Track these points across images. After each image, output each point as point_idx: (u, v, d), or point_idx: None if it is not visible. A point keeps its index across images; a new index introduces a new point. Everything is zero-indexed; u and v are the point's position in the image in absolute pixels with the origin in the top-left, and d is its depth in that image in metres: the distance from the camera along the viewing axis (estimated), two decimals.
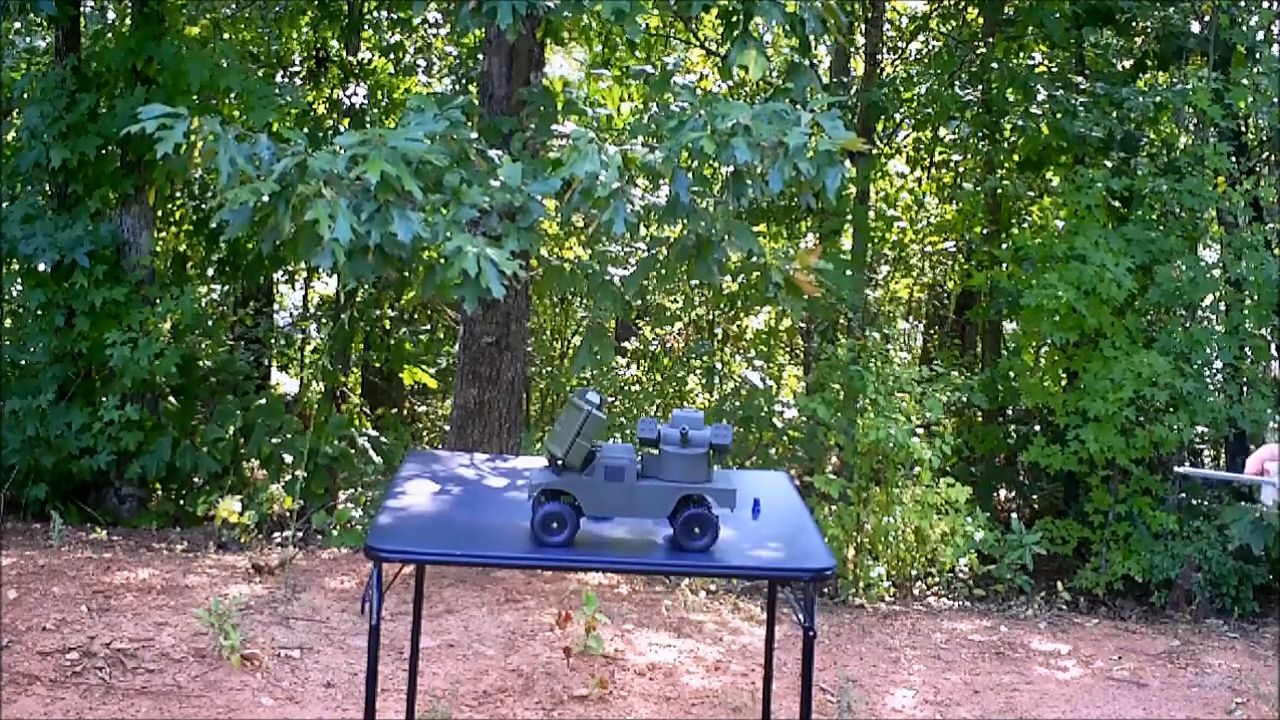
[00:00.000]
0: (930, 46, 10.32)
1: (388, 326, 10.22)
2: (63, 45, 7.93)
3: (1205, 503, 7.73)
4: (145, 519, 7.89)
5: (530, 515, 2.63)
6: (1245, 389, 7.59)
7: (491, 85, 6.44)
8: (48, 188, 8.00)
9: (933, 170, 10.86)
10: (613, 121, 8.55)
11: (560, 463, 2.61)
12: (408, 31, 9.81)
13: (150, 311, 7.67)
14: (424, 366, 10.46)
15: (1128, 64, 9.26)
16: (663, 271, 5.72)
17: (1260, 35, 7.86)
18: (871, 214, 9.68)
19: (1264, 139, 8.55)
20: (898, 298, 11.88)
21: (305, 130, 7.94)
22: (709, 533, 2.63)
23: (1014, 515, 7.82)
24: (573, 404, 2.65)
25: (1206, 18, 8.39)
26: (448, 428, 7.28)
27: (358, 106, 9.36)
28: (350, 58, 9.70)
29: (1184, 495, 7.79)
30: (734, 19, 5.14)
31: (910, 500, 7.05)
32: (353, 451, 8.66)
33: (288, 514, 6.90)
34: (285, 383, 11.51)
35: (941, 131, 9.86)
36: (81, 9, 8.33)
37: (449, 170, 4.36)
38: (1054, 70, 9.04)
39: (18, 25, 9.02)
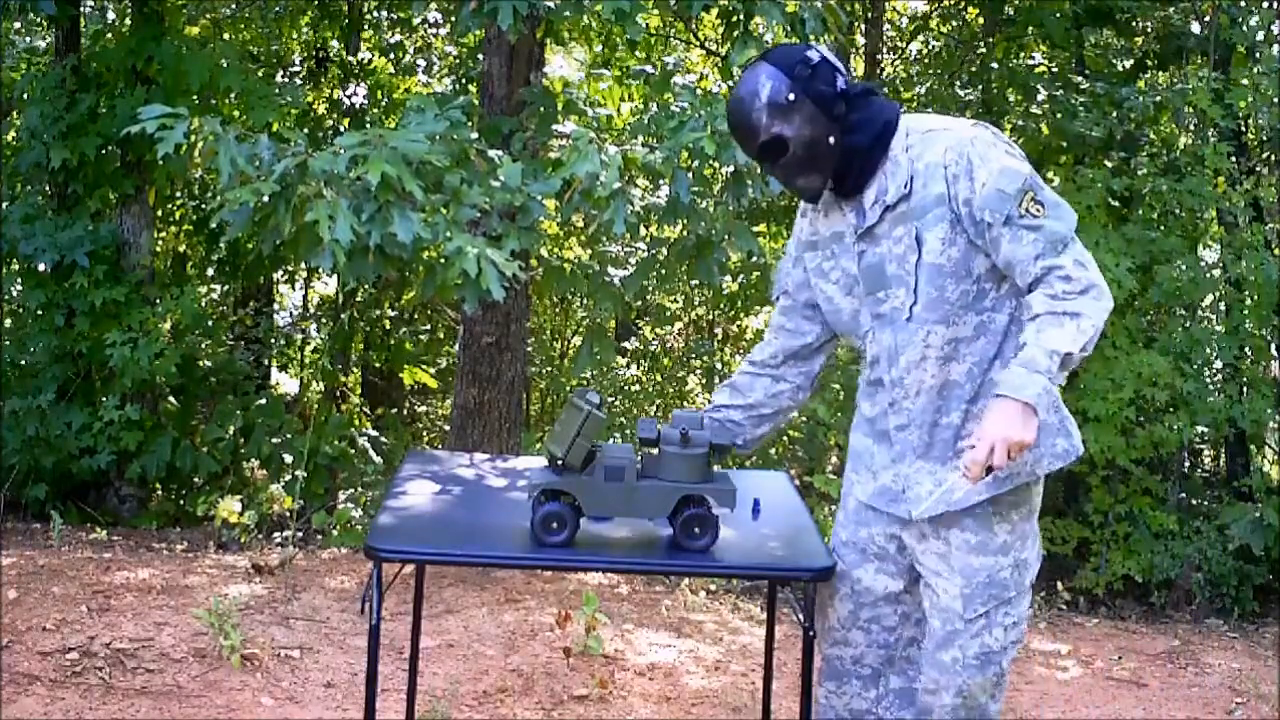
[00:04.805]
0: (930, 46, 10.31)
1: (388, 326, 10.21)
2: (63, 45, 7.92)
3: (1205, 503, 7.72)
4: (145, 519, 7.88)
5: (530, 515, 2.63)
6: (1245, 389, 7.59)
7: (491, 85, 6.43)
8: (48, 188, 7.99)
9: None
10: (613, 121, 8.54)
11: (560, 463, 2.61)
12: (408, 31, 9.80)
13: (150, 311, 7.66)
14: (424, 366, 10.46)
15: (1128, 64, 9.25)
16: (663, 272, 5.73)
17: (1260, 35, 7.86)
18: None
19: (1264, 139, 8.54)
20: None
21: (305, 130, 7.96)
22: (709, 533, 2.63)
23: None
24: (573, 404, 2.65)
25: (1206, 18, 8.39)
26: (448, 428, 7.27)
27: (358, 106, 9.35)
28: (350, 58, 9.70)
29: (1184, 495, 7.79)
30: (734, 19, 5.13)
31: None
32: (353, 451, 8.65)
33: (288, 514, 6.89)
34: (285, 383, 11.51)
35: None
36: (81, 9, 8.33)
37: (449, 170, 4.36)
38: (1054, 70, 9.03)
39: (18, 25, 9.02)
